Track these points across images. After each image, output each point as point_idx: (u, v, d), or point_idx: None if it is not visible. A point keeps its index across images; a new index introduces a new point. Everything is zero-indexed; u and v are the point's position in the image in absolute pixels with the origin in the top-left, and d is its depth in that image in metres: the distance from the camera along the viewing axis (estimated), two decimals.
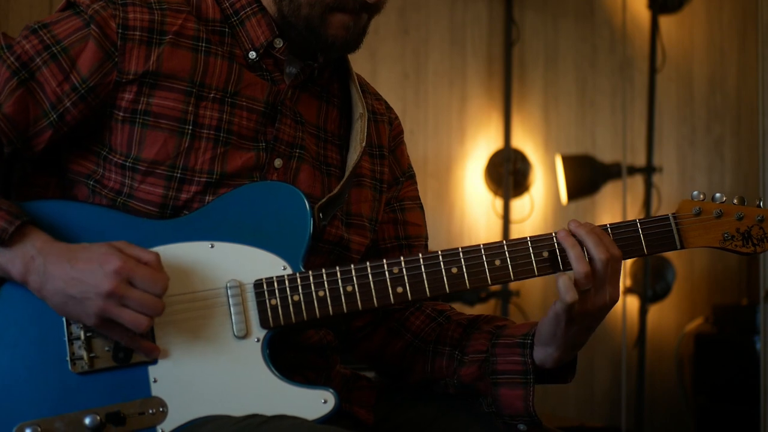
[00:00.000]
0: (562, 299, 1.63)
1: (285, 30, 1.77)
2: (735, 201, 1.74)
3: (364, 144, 1.81)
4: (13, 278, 1.58)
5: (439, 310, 1.90)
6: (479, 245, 1.69)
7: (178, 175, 1.69)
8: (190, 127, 1.70)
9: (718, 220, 1.73)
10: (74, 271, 1.54)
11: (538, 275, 1.70)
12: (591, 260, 1.65)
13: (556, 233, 1.68)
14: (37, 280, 1.56)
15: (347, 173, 1.79)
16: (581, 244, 1.66)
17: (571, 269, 1.66)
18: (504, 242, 1.69)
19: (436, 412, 1.83)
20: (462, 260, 1.68)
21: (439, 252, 1.68)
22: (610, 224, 1.72)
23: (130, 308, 1.54)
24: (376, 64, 4.70)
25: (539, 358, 1.71)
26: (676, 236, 1.72)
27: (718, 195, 1.75)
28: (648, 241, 1.72)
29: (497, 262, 1.69)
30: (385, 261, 1.67)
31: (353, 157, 1.81)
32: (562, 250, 1.67)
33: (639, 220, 1.73)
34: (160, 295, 1.56)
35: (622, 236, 1.71)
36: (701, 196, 1.74)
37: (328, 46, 1.75)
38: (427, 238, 1.99)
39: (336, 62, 1.89)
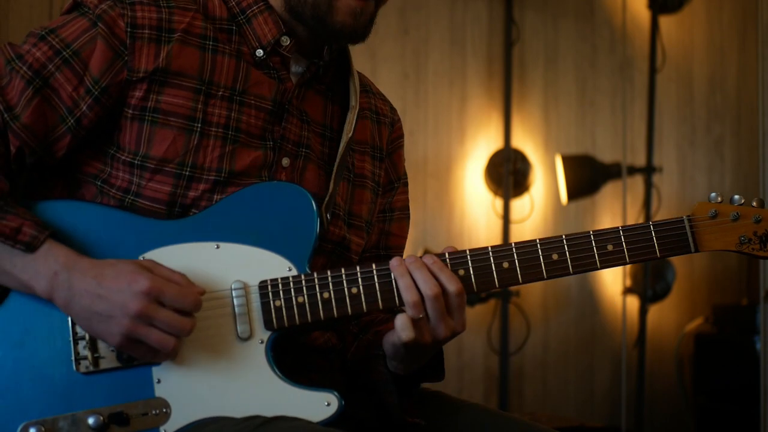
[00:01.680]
0: (398, 336, 1.64)
1: (292, 27, 1.77)
2: (754, 203, 1.71)
3: (350, 135, 1.81)
4: (38, 294, 1.58)
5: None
6: (487, 247, 1.68)
7: (187, 173, 1.69)
8: (199, 125, 1.70)
9: (735, 222, 1.70)
10: (101, 289, 1.54)
11: (548, 278, 1.69)
12: (420, 295, 1.63)
13: (390, 261, 1.66)
14: (63, 297, 1.56)
15: (335, 166, 1.79)
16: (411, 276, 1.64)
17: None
18: (513, 244, 1.69)
19: (443, 411, 1.83)
20: (469, 262, 1.67)
21: (446, 254, 1.68)
22: (622, 227, 1.70)
23: (158, 328, 1.54)
24: (376, 64, 4.69)
25: (390, 368, 1.74)
26: (691, 239, 1.70)
27: (736, 197, 1.71)
28: (661, 245, 1.70)
29: (505, 265, 1.68)
30: (390, 263, 1.67)
31: (339, 150, 1.81)
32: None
33: (652, 222, 1.70)
34: (191, 311, 1.56)
35: (635, 239, 1.69)
36: (719, 199, 1.71)
37: (335, 33, 1.74)
38: (404, 247, 2.00)
39: (340, 60, 1.88)
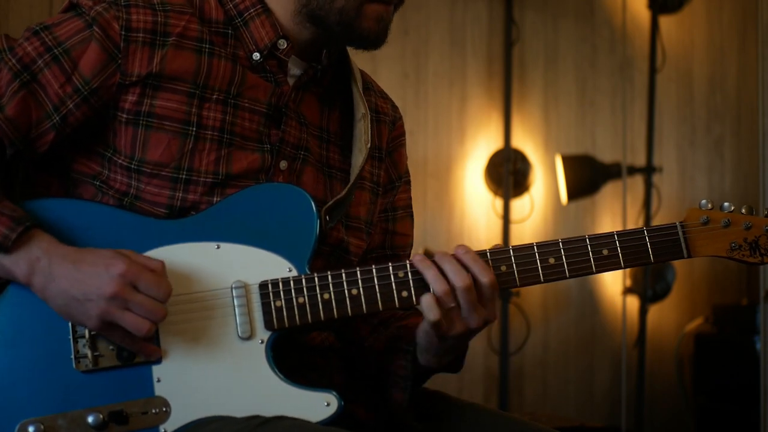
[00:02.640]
0: (425, 317, 1.64)
1: (293, 30, 1.77)
2: (743, 210, 1.74)
3: (369, 145, 1.81)
4: (18, 280, 1.59)
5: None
6: (485, 250, 1.69)
7: (184, 176, 1.69)
8: (194, 129, 1.70)
9: (726, 229, 1.73)
10: (78, 273, 1.55)
11: (544, 281, 1.71)
12: (451, 286, 1.63)
13: (410, 259, 1.67)
14: (41, 281, 1.57)
15: (353, 175, 1.79)
16: (440, 268, 1.65)
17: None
18: (510, 248, 1.70)
19: (443, 411, 1.83)
20: None
21: None
22: (617, 232, 1.72)
23: (133, 312, 1.55)
24: (376, 64, 4.69)
25: (422, 362, 1.73)
26: (683, 245, 1.73)
27: (726, 204, 1.75)
28: (655, 250, 1.72)
29: (503, 268, 1.69)
30: (390, 265, 1.67)
31: (359, 158, 1.81)
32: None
33: (646, 228, 1.73)
34: (164, 301, 1.57)
35: (629, 244, 1.71)
36: (709, 205, 1.74)
37: (362, 38, 1.75)
38: (411, 245, 2.00)
39: (338, 62, 1.88)
